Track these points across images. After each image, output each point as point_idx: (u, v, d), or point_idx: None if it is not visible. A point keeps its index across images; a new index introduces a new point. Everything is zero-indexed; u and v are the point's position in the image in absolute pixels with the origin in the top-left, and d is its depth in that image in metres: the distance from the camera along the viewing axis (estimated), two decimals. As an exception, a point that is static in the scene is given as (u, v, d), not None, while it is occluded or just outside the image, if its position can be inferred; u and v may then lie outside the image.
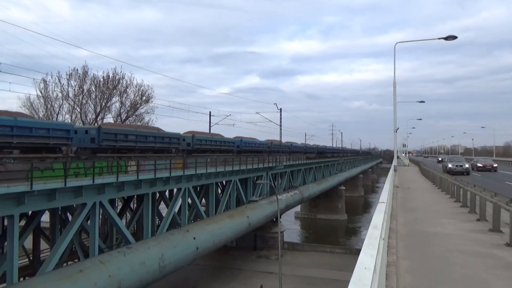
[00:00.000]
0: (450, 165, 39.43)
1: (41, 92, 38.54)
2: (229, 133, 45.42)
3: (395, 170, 29.86)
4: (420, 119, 75.85)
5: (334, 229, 61.57)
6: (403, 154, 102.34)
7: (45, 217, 21.32)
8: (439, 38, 23.47)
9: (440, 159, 77.40)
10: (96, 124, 35.09)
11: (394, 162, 33.78)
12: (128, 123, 42.31)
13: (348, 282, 2.72)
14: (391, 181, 19.43)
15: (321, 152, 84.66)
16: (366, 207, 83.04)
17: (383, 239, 5.71)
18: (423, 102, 44.33)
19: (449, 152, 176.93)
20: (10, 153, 17.48)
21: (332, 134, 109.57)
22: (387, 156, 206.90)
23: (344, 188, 71.37)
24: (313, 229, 61.15)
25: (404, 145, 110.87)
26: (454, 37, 22.69)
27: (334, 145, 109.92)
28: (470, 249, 10.00)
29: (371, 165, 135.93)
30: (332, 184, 64.50)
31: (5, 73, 21.17)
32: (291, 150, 62.36)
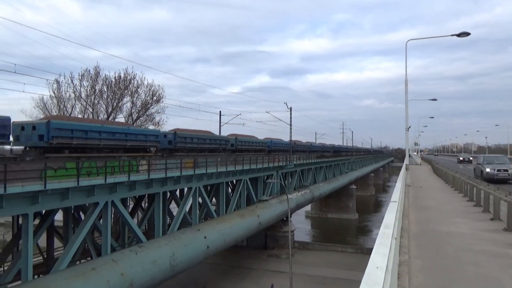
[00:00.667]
0: (488, 169, 27.90)
1: (54, 92, 39.06)
2: (239, 133, 45.33)
3: (406, 169, 29.57)
4: (432, 117, 74.72)
5: (345, 228, 61.24)
6: (415, 153, 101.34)
7: (59, 216, 21.59)
8: (451, 35, 23.13)
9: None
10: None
11: (406, 160, 33.46)
12: (139, 122, 42.66)
13: (359, 281, 2.70)
14: (403, 180, 19.25)
15: (336, 151, 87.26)
16: (377, 206, 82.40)
17: (395, 238, 5.66)
18: (435, 100, 43.63)
19: (462, 150, 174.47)
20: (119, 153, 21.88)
21: (343, 133, 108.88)
22: (399, 154, 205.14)
23: (355, 187, 70.90)
24: (324, 228, 60.91)
25: (416, 144, 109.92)
26: (467, 34, 22.33)
27: (345, 144, 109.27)
28: (484, 249, 9.85)
29: (382, 164, 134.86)
30: (342, 183, 64.15)
31: (19, 74, 21.47)
32: (311, 149, 67.91)
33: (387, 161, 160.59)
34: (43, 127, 18.22)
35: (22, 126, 18.53)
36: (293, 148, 55.21)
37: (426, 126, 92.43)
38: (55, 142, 18.37)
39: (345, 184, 65.56)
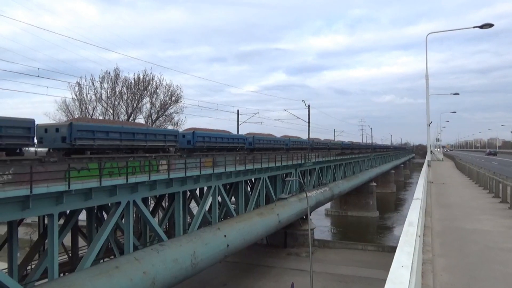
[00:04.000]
0: None
1: (76, 95, 39.98)
2: (256, 131, 45.50)
3: (428, 165, 28.99)
4: (454, 112, 73.14)
5: (365, 226, 60.56)
6: (438, 149, 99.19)
7: (82, 216, 22.08)
8: (474, 27, 22.52)
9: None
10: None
11: (428, 157, 32.81)
12: (158, 123, 43.21)
13: (380, 280, 2.67)
14: (425, 177, 18.88)
15: (345, 148, 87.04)
16: (398, 204, 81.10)
17: (419, 236, 5.56)
18: (457, 94, 42.58)
19: (486, 145, 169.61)
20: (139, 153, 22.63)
21: (362, 129, 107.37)
22: (420, 151, 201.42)
23: (375, 184, 70.00)
24: (344, 226, 60.38)
25: (437, 139, 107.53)
26: (491, 25, 21.70)
27: (364, 141, 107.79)
28: (511, 246, 9.57)
29: (403, 160, 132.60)
30: (362, 181, 63.42)
31: (42, 78, 22.01)
32: (343, 146, 69.64)
33: (408, 157, 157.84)
34: (65, 129, 18.60)
35: (45, 128, 18.95)
36: (312, 146, 55.38)
37: (448, 121, 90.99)
38: (77, 144, 18.64)
39: (365, 181, 64.77)
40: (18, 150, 16.65)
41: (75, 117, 39.65)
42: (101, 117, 40.56)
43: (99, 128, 20.31)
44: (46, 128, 19.02)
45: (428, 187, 20.65)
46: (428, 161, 30.80)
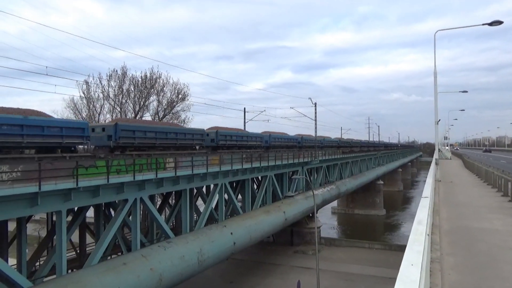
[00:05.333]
0: None
1: (83, 93, 40.23)
2: (263, 129, 45.78)
3: (436, 164, 28.77)
4: (463, 110, 73.04)
5: (372, 224, 60.33)
6: (446, 147, 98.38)
7: (90, 213, 22.26)
8: (483, 24, 22.23)
9: (484, 149, 73.42)
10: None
11: (435, 155, 32.55)
12: (165, 121, 43.35)
13: (387, 278, 2.66)
14: (433, 175, 18.74)
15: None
16: (405, 202, 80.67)
17: (428, 234, 5.51)
18: (466, 92, 42.09)
19: (495, 143, 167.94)
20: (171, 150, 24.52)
21: (369, 127, 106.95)
22: (427, 149, 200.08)
23: (382, 182, 69.66)
24: (351, 224, 60.20)
25: (445, 138, 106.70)
26: (500, 22, 21.41)
27: (371, 139, 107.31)
28: (520, 246, 9.46)
29: (410, 158, 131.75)
30: (369, 179, 63.14)
31: (50, 76, 22.25)
32: (361, 144, 73.87)
33: (415, 156, 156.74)
34: (111, 128, 20.78)
35: (92, 128, 21.02)
36: (323, 144, 56.58)
37: (456, 119, 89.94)
38: (121, 142, 20.92)
39: (372, 179, 64.50)
40: (73, 148, 18.76)
41: (83, 115, 39.98)
42: (108, 116, 40.85)
43: (138, 128, 22.65)
44: (93, 128, 21.15)
45: (436, 185, 20.50)
46: (436, 159, 30.55)
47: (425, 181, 15.56)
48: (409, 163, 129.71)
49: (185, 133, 26.66)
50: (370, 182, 63.81)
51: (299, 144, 47.96)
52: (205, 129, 31.00)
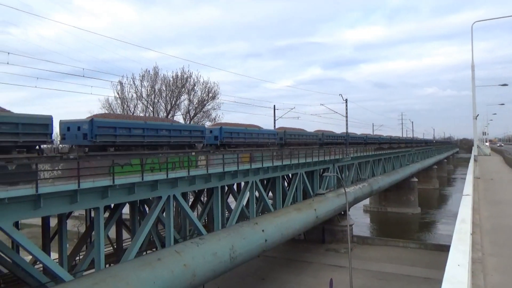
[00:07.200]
0: None
1: (118, 93, 41.51)
2: (291, 126, 45.22)
3: (475, 160, 27.63)
4: (503, 104, 68.75)
5: (406, 223, 58.79)
6: (486, 143, 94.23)
7: (125, 210, 22.90)
8: (525, 13, 21.04)
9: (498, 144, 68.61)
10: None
11: (474, 151, 31.24)
12: (196, 119, 44.00)
13: (423, 278, 2.55)
14: (472, 172, 18.00)
15: (369, 143, 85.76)
16: (441, 200, 78.09)
17: (470, 234, 5.28)
18: (506, 85, 40.04)
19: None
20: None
21: (402, 123, 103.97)
22: (465, 145, 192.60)
23: (416, 180, 67.71)
24: (384, 222, 58.93)
25: (484, 133, 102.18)
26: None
27: (404, 135, 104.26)
28: None
29: (446, 155, 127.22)
30: (403, 176, 61.53)
31: (87, 78, 23.00)
32: (366, 141, 68.03)
33: (451, 152, 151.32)
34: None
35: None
36: (347, 141, 54.46)
37: (495, 114, 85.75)
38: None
39: (405, 177, 62.79)
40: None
41: (97, 113, 40.93)
42: (141, 115, 41.87)
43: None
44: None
45: (475, 183, 19.68)
46: (474, 156, 29.33)
47: (462, 178, 14.98)
48: (445, 160, 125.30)
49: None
50: (404, 179, 62.15)
51: (319, 141, 45.51)
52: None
